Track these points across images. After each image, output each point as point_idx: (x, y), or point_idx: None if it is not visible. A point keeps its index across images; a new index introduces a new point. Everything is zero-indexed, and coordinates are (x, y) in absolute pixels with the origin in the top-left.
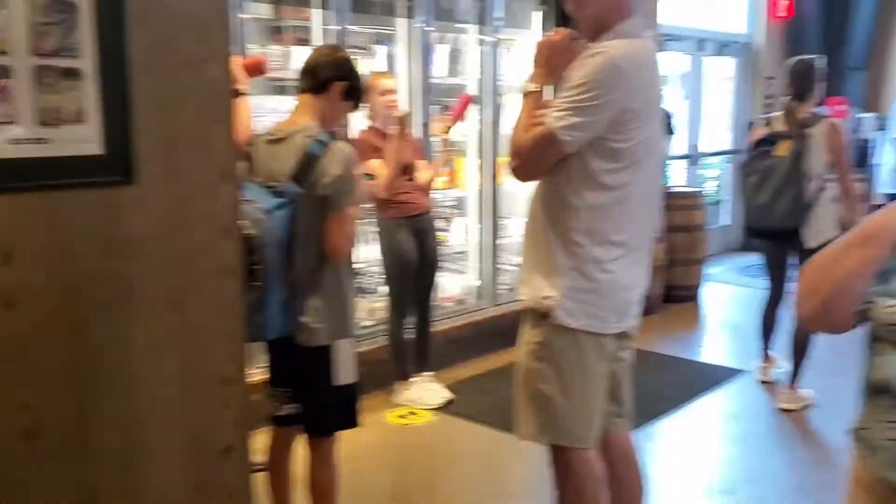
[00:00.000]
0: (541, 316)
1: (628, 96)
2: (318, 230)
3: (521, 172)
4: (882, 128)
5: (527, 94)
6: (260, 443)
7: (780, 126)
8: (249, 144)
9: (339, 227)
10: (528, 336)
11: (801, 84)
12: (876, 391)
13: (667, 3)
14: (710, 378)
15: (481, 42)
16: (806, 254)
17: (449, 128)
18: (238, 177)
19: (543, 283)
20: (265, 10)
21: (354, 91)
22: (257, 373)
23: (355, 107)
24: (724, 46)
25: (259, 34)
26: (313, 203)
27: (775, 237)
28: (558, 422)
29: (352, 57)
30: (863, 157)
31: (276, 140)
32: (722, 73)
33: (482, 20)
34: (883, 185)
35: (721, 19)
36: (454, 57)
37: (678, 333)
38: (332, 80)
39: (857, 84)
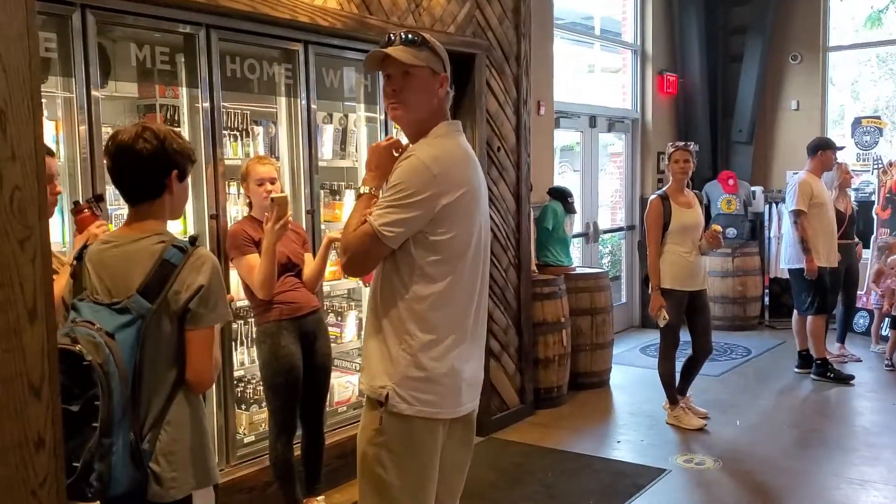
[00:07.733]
0: (377, 402)
1: (441, 193)
2: (173, 354)
3: (350, 268)
4: (773, 201)
5: (359, 196)
6: None
7: None
8: (77, 258)
9: (204, 349)
10: (366, 421)
11: None
12: None
13: (559, 81)
14: (632, 480)
15: (368, 120)
16: None
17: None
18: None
19: (379, 371)
20: (127, 88)
21: (184, 169)
22: None
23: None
24: (615, 122)
25: (121, 113)
26: (168, 320)
27: None
28: None
29: (158, 125)
30: (753, 230)
31: (116, 246)
32: (613, 148)
33: (370, 98)
34: (784, 260)
35: (611, 96)
36: (342, 137)
37: (590, 427)
38: (164, 177)
39: (744, 157)
